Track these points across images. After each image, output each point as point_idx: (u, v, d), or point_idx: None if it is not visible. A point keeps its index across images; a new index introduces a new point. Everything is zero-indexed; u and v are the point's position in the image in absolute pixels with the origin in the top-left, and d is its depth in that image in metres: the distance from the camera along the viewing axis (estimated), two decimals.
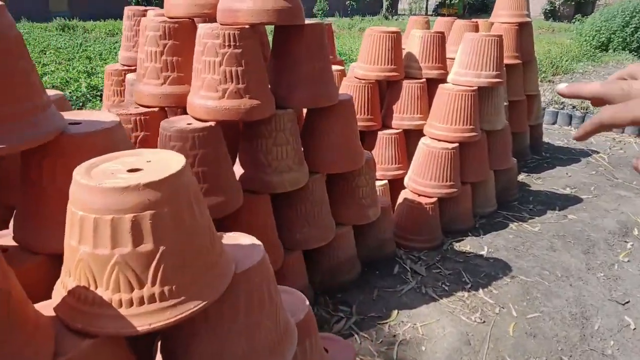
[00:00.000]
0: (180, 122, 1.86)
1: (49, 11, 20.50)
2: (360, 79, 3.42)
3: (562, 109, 6.45)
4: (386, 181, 3.44)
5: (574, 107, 6.49)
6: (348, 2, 29.99)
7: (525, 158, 4.99)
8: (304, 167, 2.26)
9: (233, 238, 1.24)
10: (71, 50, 10.24)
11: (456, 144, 3.20)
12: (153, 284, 0.93)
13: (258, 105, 1.90)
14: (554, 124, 6.41)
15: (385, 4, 31.48)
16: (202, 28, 1.86)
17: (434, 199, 3.19)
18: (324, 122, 2.36)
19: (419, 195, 3.22)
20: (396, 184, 3.47)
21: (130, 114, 2.00)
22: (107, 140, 1.23)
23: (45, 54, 9.57)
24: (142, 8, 2.75)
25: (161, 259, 0.93)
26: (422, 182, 3.21)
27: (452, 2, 33.26)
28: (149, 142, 2.03)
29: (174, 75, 2.06)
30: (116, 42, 11.78)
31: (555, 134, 5.98)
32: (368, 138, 3.51)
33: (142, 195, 0.90)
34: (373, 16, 28.55)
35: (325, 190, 2.47)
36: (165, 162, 1.00)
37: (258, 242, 1.22)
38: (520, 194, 4.13)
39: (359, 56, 3.49)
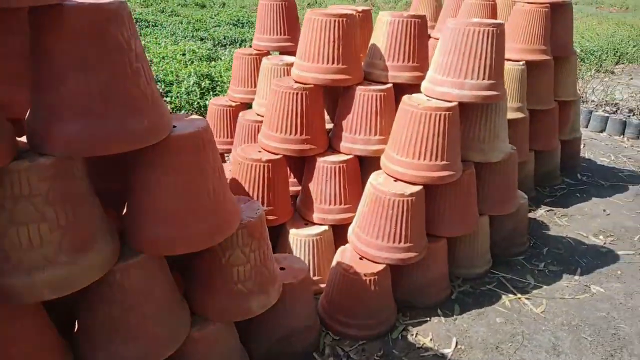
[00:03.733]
0: None
1: None
2: (296, 81, 2.41)
3: (614, 112, 5.09)
4: (326, 228, 2.46)
5: (630, 111, 5.11)
6: None
7: (553, 183, 3.81)
8: (95, 254, 1.33)
9: None
10: None
11: (419, 188, 2.16)
12: None
13: None
14: (602, 131, 5.07)
15: None
16: None
17: (382, 266, 2.18)
18: (144, 174, 1.41)
19: (362, 258, 2.22)
20: (344, 232, 2.48)
21: None
22: None
23: None
24: None
25: None
26: (367, 239, 2.20)
27: None
28: None
29: None
30: None
31: (600, 147, 4.67)
32: (307, 166, 2.52)
33: None
34: None
35: (159, 282, 1.53)
36: None
37: None
38: (532, 242, 3.01)
39: (297, 50, 2.46)
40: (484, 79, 2.12)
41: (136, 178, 1.43)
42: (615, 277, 2.70)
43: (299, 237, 2.39)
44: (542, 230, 3.18)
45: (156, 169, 1.40)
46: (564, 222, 3.28)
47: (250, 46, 3.36)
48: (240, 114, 2.95)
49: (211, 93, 5.34)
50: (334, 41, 2.28)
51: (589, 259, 2.85)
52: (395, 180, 2.21)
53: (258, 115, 2.83)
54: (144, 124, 1.28)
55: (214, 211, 1.53)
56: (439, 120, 2.07)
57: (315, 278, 2.43)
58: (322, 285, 2.43)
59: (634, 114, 5.03)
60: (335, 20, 2.26)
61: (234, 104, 3.26)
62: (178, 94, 5.08)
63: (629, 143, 4.81)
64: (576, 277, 2.67)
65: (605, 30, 11.14)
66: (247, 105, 3.30)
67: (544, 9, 3.05)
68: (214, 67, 6.07)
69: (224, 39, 8.74)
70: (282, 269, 2.02)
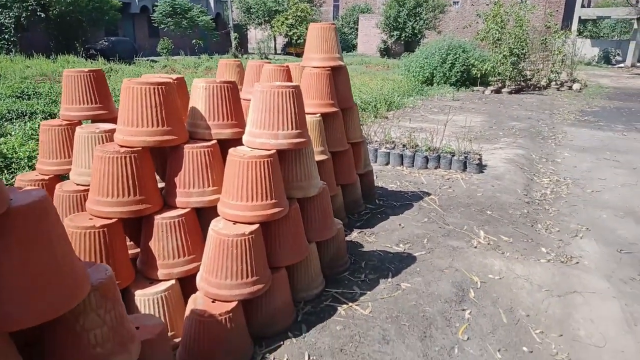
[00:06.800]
0: None
1: None
2: (122, 146, 2.50)
3: (393, 148, 6.32)
4: (173, 282, 2.53)
5: (404, 146, 6.42)
6: (194, 40, 29.03)
7: (359, 209, 4.55)
8: None
9: None
10: None
11: (256, 226, 2.45)
12: None
13: None
14: (387, 164, 6.24)
15: (233, 43, 31.29)
16: None
17: (235, 304, 2.36)
18: None
19: (214, 300, 2.37)
20: (190, 285, 2.58)
21: None
22: None
23: None
24: None
25: None
26: (217, 282, 2.37)
27: (298, 41, 34.36)
28: None
29: None
30: None
31: (388, 176, 5.75)
32: (145, 225, 2.58)
33: None
34: (222, 55, 28.03)
35: None
36: None
37: None
38: (352, 259, 3.56)
39: (119, 117, 2.57)
40: (292, 129, 2.58)
41: None
42: (416, 273, 3.40)
43: (145, 297, 2.41)
44: (358, 248, 3.78)
45: None
46: (372, 239, 3.96)
47: (45, 118, 3.24)
48: (57, 186, 2.83)
49: (5, 172, 4.78)
50: (156, 106, 2.47)
51: (396, 263, 3.53)
52: (234, 223, 2.46)
53: (78, 185, 2.78)
54: None
55: (64, 278, 1.54)
56: (264, 166, 2.43)
57: (169, 334, 2.45)
58: (177, 340, 2.47)
59: (406, 148, 6.33)
60: (154, 88, 2.46)
61: (46, 177, 3.08)
62: None
63: (408, 170, 6.03)
64: (389, 280, 3.28)
65: (376, 85, 13.61)
66: (61, 178, 3.16)
67: (326, 72, 3.79)
68: (5, 143, 5.44)
69: (9, 112, 7.83)
70: (136, 328, 2.03)
